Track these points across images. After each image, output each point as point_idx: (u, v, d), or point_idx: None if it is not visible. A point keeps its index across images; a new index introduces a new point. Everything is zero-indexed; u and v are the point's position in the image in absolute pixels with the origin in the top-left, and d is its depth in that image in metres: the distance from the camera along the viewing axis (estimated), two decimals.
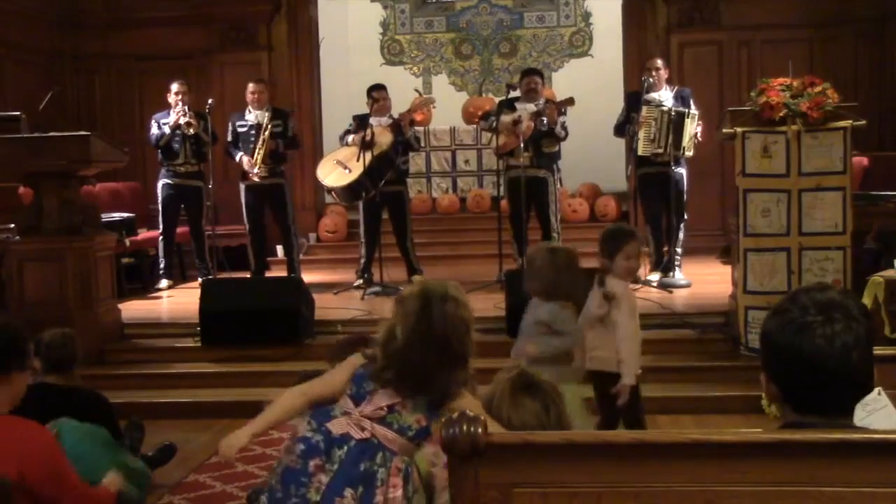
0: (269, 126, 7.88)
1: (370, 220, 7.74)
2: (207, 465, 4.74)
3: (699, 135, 7.30)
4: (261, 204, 8.06)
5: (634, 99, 7.58)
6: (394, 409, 2.62)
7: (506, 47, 13.02)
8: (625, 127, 7.58)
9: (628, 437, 1.78)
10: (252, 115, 8.00)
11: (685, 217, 7.59)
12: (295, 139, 8.19)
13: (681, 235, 7.57)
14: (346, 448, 2.60)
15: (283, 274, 8.14)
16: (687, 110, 7.28)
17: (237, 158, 7.96)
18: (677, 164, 7.37)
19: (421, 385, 2.59)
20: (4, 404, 2.76)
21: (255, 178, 7.91)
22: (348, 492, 2.56)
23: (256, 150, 7.85)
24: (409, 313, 2.60)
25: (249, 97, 8.04)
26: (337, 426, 2.63)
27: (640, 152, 7.38)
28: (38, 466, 2.65)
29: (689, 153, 7.33)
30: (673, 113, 7.21)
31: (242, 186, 8.02)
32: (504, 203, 7.81)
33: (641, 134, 7.33)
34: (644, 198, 7.63)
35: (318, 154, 9.47)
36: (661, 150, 7.23)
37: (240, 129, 8.00)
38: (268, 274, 8.32)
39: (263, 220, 8.15)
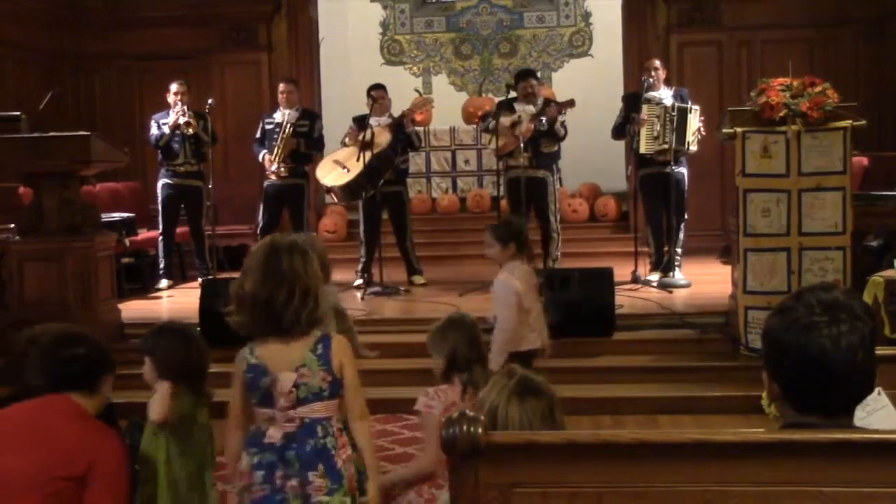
0: (292, 125, 7.92)
1: (370, 220, 7.74)
2: None
3: (702, 129, 7.30)
4: (279, 203, 8.08)
5: (634, 100, 7.59)
6: (298, 384, 2.73)
7: (506, 47, 13.02)
8: (624, 128, 7.58)
9: (629, 437, 1.78)
10: (279, 114, 8.05)
11: (685, 217, 7.59)
12: (319, 140, 8.20)
13: (681, 236, 7.57)
14: (293, 445, 2.73)
15: None
16: (689, 105, 7.29)
17: (260, 157, 8.00)
18: (678, 164, 7.38)
19: (273, 320, 2.72)
20: (96, 407, 2.94)
21: (273, 177, 7.94)
22: (312, 474, 2.70)
23: (276, 148, 7.89)
24: (257, 260, 2.77)
25: (279, 96, 8.14)
26: (273, 435, 2.74)
27: (642, 150, 7.38)
28: (106, 468, 2.76)
29: (694, 148, 7.34)
30: (675, 109, 7.22)
31: (265, 184, 8.07)
32: (504, 203, 7.81)
33: (643, 132, 7.33)
34: (645, 198, 7.63)
35: (319, 154, 9.48)
36: (665, 146, 7.23)
37: (267, 127, 8.07)
38: None
39: (279, 219, 8.16)
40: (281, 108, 8.09)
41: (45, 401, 2.91)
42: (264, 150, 7.98)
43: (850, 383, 1.76)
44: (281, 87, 8.18)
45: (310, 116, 8.19)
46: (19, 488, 2.70)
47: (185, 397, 3.22)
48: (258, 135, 8.13)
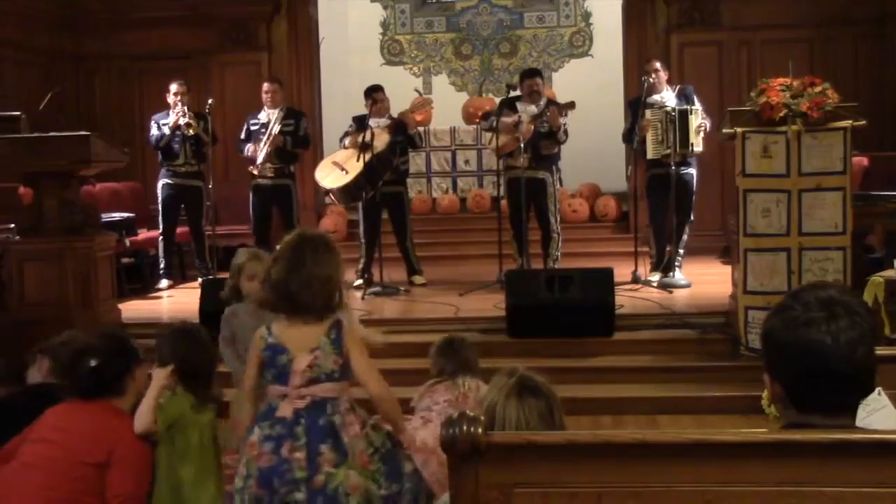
0: (279, 124, 7.92)
1: (370, 220, 7.74)
2: None
3: (707, 127, 7.28)
4: (268, 204, 8.08)
5: (636, 104, 7.57)
6: (313, 365, 3.00)
7: (506, 47, 13.02)
8: (632, 133, 7.58)
9: (629, 437, 1.78)
10: (264, 114, 8.05)
11: (692, 218, 7.59)
12: (305, 138, 8.20)
13: (685, 237, 7.57)
14: (301, 421, 2.97)
15: None
16: (689, 107, 7.29)
17: (246, 150, 8.00)
18: (687, 164, 7.37)
19: (290, 302, 3.02)
20: (129, 404, 3.18)
21: (255, 172, 7.95)
22: (323, 447, 2.94)
23: (262, 146, 7.89)
24: (284, 249, 3.09)
25: (263, 96, 8.11)
26: (284, 410, 2.98)
27: (649, 156, 7.38)
28: (125, 451, 3.01)
29: (699, 148, 7.32)
30: (675, 111, 7.22)
31: (252, 183, 8.07)
32: (504, 203, 7.80)
33: (649, 137, 7.33)
34: (652, 198, 7.62)
35: (318, 154, 9.48)
36: (668, 151, 7.22)
37: (252, 128, 8.06)
38: None
39: (269, 220, 8.16)
40: (266, 108, 8.09)
41: (78, 402, 3.13)
42: (249, 143, 7.99)
43: (852, 380, 1.76)
44: (265, 86, 8.16)
45: (295, 115, 8.19)
46: (50, 473, 2.92)
47: (181, 399, 3.22)
48: (242, 136, 8.13)
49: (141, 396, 3.19)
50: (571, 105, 7.46)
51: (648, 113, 7.34)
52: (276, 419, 2.97)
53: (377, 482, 3.01)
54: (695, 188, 7.52)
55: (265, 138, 7.91)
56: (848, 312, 1.75)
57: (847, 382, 1.76)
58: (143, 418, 3.14)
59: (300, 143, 8.13)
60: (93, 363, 3.11)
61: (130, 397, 3.18)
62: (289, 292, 3.01)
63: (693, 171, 7.47)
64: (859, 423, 1.86)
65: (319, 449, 2.93)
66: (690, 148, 7.25)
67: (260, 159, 7.90)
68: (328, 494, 2.91)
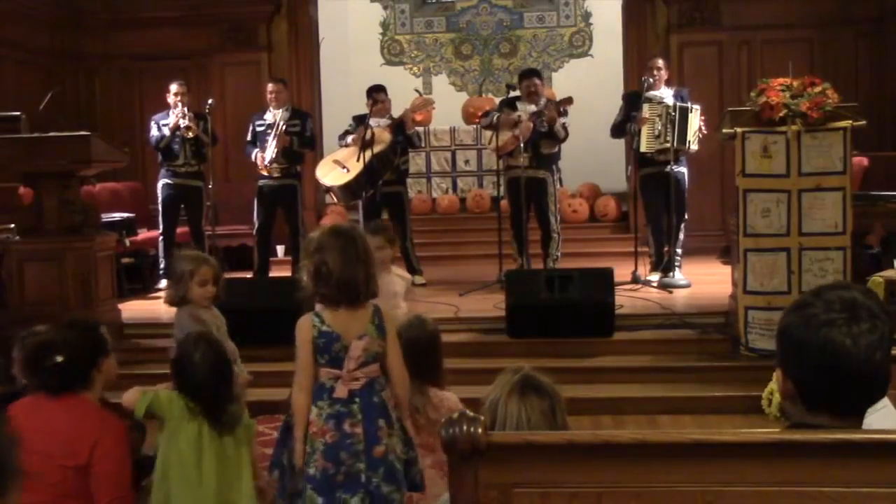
0: (285, 124, 7.92)
1: (369, 219, 7.73)
2: None
3: (703, 128, 7.30)
4: (273, 203, 8.07)
5: (634, 98, 7.58)
6: (366, 349, 3.23)
7: (506, 47, 13.02)
8: (624, 126, 7.58)
9: (629, 437, 1.78)
10: (270, 115, 8.05)
11: (685, 217, 7.59)
12: (311, 139, 8.21)
13: (681, 236, 7.57)
14: (356, 399, 3.21)
15: (284, 274, 8.13)
16: (690, 104, 7.30)
17: (253, 157, 8.00)
18: (678, 163, 7.38)
19: (353, 294, 3.22)
20: (98, 390, 3.18)
21: (264, 173, 7.94)
22: (381, 421, 3.22)
23: (269, 147, 7.89)
24: (336, 244, 3.23)
25: (268, 97, 8.11)
26: (341, 392, 3.22)
27: (643, 149, 7.39)
28: (107, 449, 2.97)
29: (694, 147, 7.34)
30: (676, 108, 7.22)
31: (259, 183, 8.07)
32: (504, 203, 7.81)
33: (644, 131, 7.33)
34: (646, 198, 7.63)
35: (318, 154, 9.47)
36: (667, 145, 7.23)
37: (258, 129, 8.05)
38: (268, 274, 8.32)
39: (274, 220, 8.16)
40: (271, 109, 8.09)
41: (44, 397, 3.05)
42: (256, 150, 7.99)
43: (866, 383, 1.75)
44: (270, 87, 8.17)
45: (300, 115, 8.20)
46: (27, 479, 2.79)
47: (174, 397, 3.25)
48: (249, 137, 8.13)
49: (110, 382, 3.25)
50: (569, 100, 7.46)
51: (646, 107, 7.34)
52: (335, 399, 3.21)
53: (405, 444, 3.31)
54: (686, 186, 7.53)
55: (271, 139, 7.91)
56: (870, 315, 1.73)
57: (862, 385, 1.75)
58: (129, 395, 3.27)
59: (306, 143, 8.13)
60: (59, 359, 3.01)
61: (98, 389, 3.14)
62: (356, 284, 3.20)
63: (684, 169, 7.48)
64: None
65: (378, 423, 3.20)
66: (687, 145, 7.26)
67: (268, 159, 7.90)
68: (388, 462, 3.20)
